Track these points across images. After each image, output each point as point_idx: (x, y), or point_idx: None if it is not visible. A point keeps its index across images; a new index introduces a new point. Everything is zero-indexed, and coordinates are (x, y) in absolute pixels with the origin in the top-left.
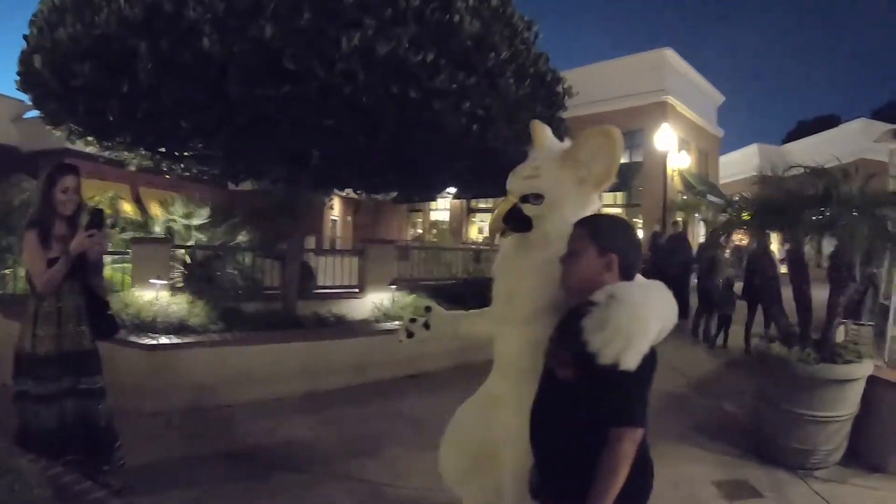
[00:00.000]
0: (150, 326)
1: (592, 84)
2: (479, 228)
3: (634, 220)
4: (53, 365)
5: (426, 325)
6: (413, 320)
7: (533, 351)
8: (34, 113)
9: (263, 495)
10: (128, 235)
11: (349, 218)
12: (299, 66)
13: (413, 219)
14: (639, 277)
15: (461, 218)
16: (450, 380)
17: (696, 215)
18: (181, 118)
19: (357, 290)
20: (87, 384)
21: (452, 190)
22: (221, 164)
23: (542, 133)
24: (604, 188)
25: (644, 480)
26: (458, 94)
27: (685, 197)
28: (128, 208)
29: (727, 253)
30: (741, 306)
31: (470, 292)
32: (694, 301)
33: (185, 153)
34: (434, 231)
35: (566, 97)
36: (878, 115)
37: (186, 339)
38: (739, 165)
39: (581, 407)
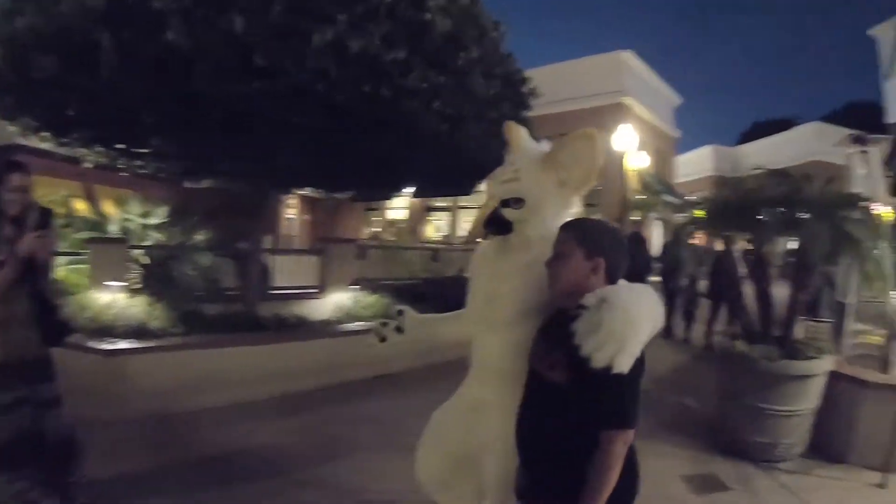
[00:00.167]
0: (109, 330)
1: (552, 84)
2: (436, 227)
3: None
4: (4, 374)
5: (399, 329)
6: (384, 323)
7: (515, 354)
8: None
9: None
10: (83, 235)
11: (306, 216)
12: (270, 62)
13: (370, 217)
14: (621, 280)
15: (419, 217)
16: (417, 380)
17: (653, 214)
18: (144, 113)
19: (317, 291)
20: (43, 392)
21: (412, 188)
22: (182, 162)
23: (518, 135)
24: (585, 191)
25: (632, 482)
26: (430, 93)
27: (642, 196)
28: (81, 207)
29: (690, 252)
30: (705, 304)
31: (431, 292)
32: None
33: (144, 150)
34: (391, 230)
35: (531, 97)
36: (830, 118)
37: (147, 343)
38: (695, 165)
39: (571, 409)
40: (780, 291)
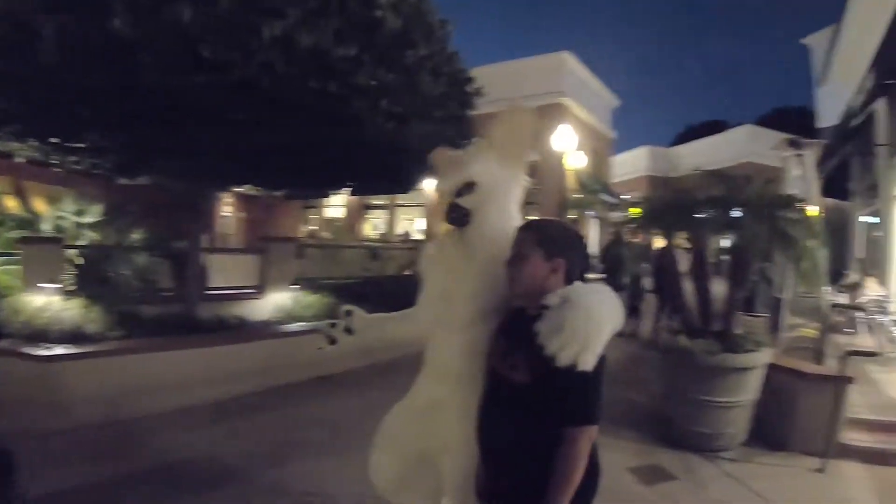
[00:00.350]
0: (44, 335)
1: (494, 83)
2: (374, 225)
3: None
4: None
5: (348, 330)
6: (333, 324)
7: (472, 355)
8: None
9: None
10: (14, 234)
11: (241, 214)
12: (217, 55)
13: (307, 215)
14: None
15: (356, 215)
16: (359, 380)
17: (590, 213)
18: (83, 106)
19: (257, 291)
20: None
21: (350, 186)
22: (119, 157)
23: (444, 158)
24: (526, 165)
25: (594, 477)
26: (378, 91)
27: (579, 195)
28: (12, 204)
29: (631, 250)
30: (651, 300)
31: (372, 291)
32: None
33: (80, 145)
34: (329, 228)
35: (476, 96)
36: (760, 122)
37: (84, 349)
38: (631, 165)
39: (534, 408)
40: (717, 288)
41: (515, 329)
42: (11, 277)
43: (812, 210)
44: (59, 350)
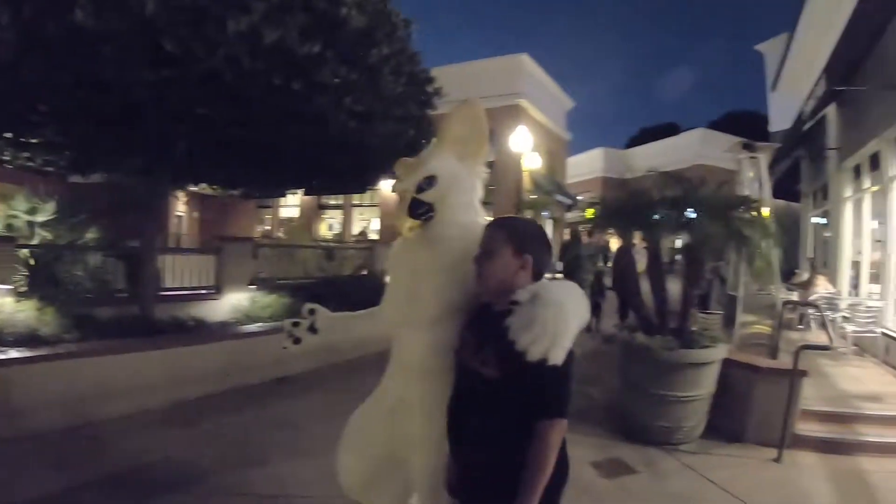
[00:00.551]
0: None
1: (452, 84)
2: (329, 226)
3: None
4: None
5: (313, 329)
6: (296, 324)
7: (440, 352)
8: None
9: None
10: None
11: (195, 214)
12: (180, 49)
13: (262, 215)
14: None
15: (311, 214)
16: (320, 380)
17: (544, 213)
18: (40, 101)
19: (214, 291)
20: None
21: (306, 186)
22: (74, 154)
23: (405, 167)
24: (483, 158)
25: (564, 469)
26: (341, 89)
27: (533, 196)
28: None
29: (590, 249)
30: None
31: (329, 291)
32: None
33: (34, 140)
34: (282, 228)
35: (436, 96)
36: (712, 126)
37: (39, 352)
38: (586, 166)
39: (506, 402)
40: (673, 287)
41: (483, 325)
42: None
43: (765, 211)
44: (13, 353)
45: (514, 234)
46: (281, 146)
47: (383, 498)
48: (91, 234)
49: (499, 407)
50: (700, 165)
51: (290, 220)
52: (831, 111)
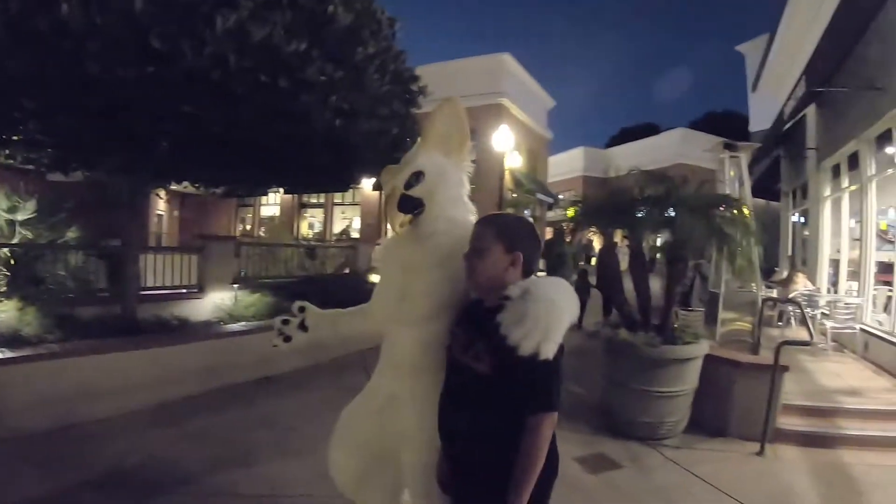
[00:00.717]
0: None
1: (435, 83)
2: (310, 224)
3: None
4: None
5: (303, 327)
6: (286, 321)
7: (431, 349)
8: None
9: None
10: None
11: (175, 212)
12: (167, 45)
13: (242, 214)
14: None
15: (292, 213)
16: (305, 379)
17: (526, 212)
18: (23, 96)
19: (197, 291)
20: None
21: (287, 184)
22: (55, 151)
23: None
24: (467, 153)
25: (555, 462)
26: (327, 87)
27: (515, 194)
28: None
29: (573, 247)
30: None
31: (311, 290)
32: None
33: (16, 137)
34: (263, 227)
35: (421, 95)
36: (695, 125)
37: (21, 352)
38: (567, 165)
39: (497, 397)
40: (655, 284)
41: (474, 321)
42: None
43: (745, 209)
44: None
45: (504, 231)
46: (265, 144)
47: (375, 494)
48: (72, 233)
49: (490, 402)
50: (681, 164)
51: (270, 218)
52: (811, 111)
